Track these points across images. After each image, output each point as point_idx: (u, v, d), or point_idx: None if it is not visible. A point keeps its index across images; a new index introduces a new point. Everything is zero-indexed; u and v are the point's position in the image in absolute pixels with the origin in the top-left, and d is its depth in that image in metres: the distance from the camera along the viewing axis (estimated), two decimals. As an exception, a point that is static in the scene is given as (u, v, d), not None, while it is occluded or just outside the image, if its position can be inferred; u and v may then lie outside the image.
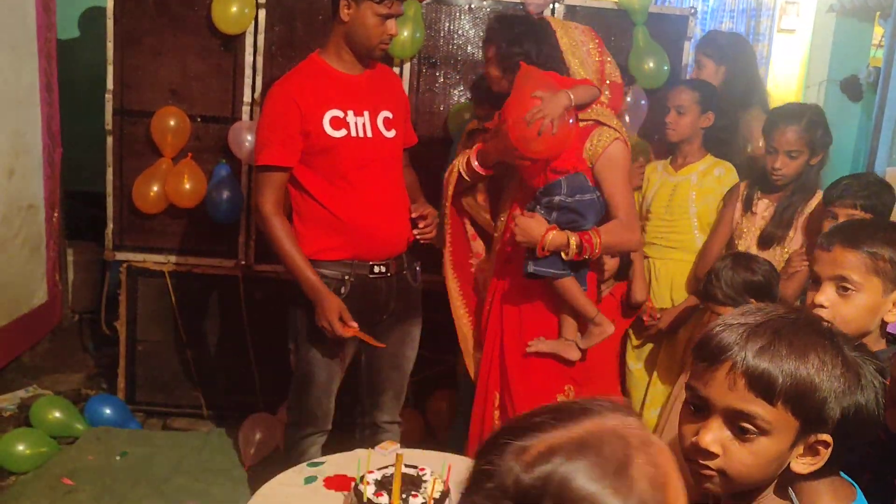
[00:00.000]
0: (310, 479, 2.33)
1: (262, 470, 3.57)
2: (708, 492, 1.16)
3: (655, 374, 3.22)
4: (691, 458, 1.15)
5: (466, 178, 2.78)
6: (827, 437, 1.14)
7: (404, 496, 2.07)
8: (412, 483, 2.14)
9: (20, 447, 3.45)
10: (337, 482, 2.31)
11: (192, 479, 3.58)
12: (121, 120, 3.84)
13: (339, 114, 2.68)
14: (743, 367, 1.10)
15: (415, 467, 2.21)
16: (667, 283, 3.16)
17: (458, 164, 2.79)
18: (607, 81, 2.70)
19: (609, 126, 2.61)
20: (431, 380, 3.83)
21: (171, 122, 3.77)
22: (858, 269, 1.68)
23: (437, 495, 2.08)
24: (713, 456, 1.13)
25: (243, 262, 3.93)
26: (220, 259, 3.99)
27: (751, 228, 3.00)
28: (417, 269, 2.97)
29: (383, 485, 2.13)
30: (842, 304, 1.69)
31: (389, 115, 2.80)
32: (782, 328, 1.13)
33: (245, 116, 3.82)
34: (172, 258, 3.97)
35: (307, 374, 2.85)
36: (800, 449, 1.15)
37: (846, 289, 1.69)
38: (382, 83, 2.83)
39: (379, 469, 2.21)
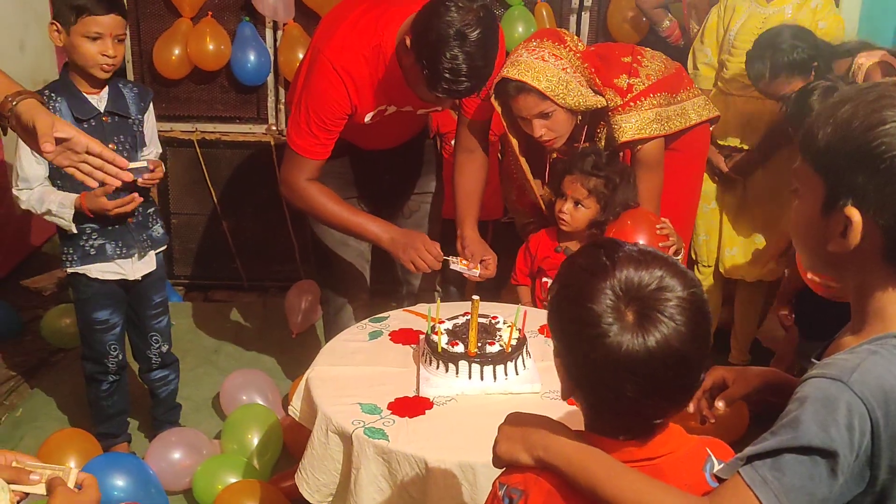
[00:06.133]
0: (375, 335, 2.24)
1: (310, 337, 3.53)
2: None
3: (726, 217, 3.11)
4: None
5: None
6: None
7: (480, 344, 1.98)
8: (486, 332, 2.04)
9: (66, 321, 3.40)
10: (403, 336, 2.22)
11: (241, 348, 3.55)
12: (134, -22, 3.61)
13: (383, 107, 2.41)
14: None
15: (486, 317, 2.10)
16: (743, 122, 2.95)
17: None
18: (597, 80, 2.45)
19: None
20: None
21: (187, -22, 3.54)
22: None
23: (513, 342, 1.98)
24: None
25: (274, 127, 3.76)
26: (250, 125, 3.84)
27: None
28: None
29: (456, 334, 2.02)
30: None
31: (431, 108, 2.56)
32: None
33: (266, -32, 3.57)
34: (200, 126, 3.80)
35: (336, 237, 2.67)
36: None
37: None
38: None
39: (449, 319, 2.11)
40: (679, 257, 2.50)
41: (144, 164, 2.46)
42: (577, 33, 3.72)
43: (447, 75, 2.09)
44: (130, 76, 3.69)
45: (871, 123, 0.98)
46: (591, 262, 1.06)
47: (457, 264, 2.44)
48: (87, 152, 1.62)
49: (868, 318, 1.06)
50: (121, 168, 1.67)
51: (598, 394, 1.07)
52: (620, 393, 1.03)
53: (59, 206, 2.43)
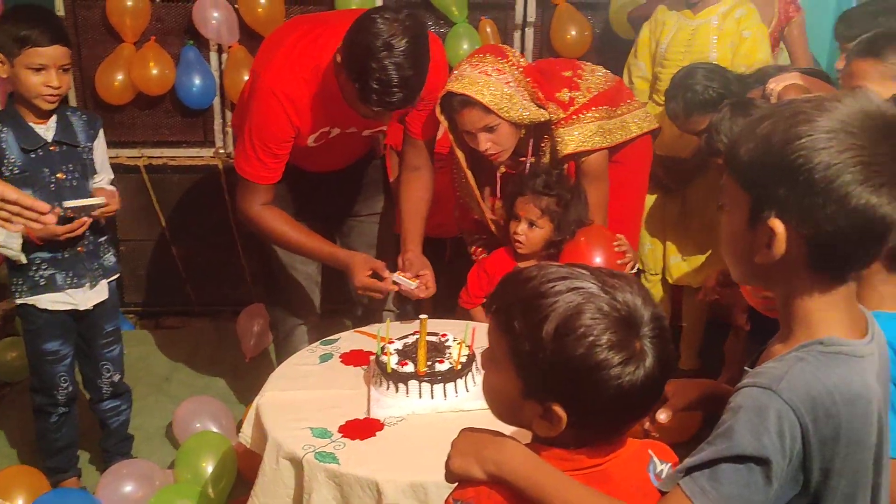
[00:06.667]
0: (325, 357, 2.23)
1: (264, 360, 3.50)
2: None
3: (669, 226, 3.17)
4: None
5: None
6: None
7: (430, 363, 1.98)
8: (436, 350, 2.04)
9: (12, 355, 3.33)
10: (354, 357, 2.21)
11: (194, 375, 3.50)
12: (72, 4, 3.58)
13: (326, 129, 2.42)
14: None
15: (436, 334, 2.10)
16: (678, 132, 2.98)
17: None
18: (539, 95, 2.48)
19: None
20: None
21: (128, 3, 3.51)
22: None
23: (463, 359, 1.98)
24: None
25: (222, 150, 3.74)
26: (197, 149, 3.81)
27: None
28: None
29: (406, 354, 2.02)
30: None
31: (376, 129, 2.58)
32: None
33: (208, -9, 3.56)
34: (147, 151, 3.77)
35: (283, 261, 2.68)
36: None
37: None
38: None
39: (399, 339, 2.11)
40: (634, 270, 2.56)
41: (100, 200, 2.42)
42: (522, 49, 3.76)
43: (377, 86, 2.09)
44: (73, 103, 3.64)
45: (788, 138, 1.01)
46: (585, 301, 1.03)
47: (399, 277, 2.42)
48: (3, 199, 1.60)
49: (795, 325, 1.09)
50: (41, 212, 1.65)
51: (597, 422, 1.07)
52: (626, 417, 1.08)
53: (6, 237, 2.37)
